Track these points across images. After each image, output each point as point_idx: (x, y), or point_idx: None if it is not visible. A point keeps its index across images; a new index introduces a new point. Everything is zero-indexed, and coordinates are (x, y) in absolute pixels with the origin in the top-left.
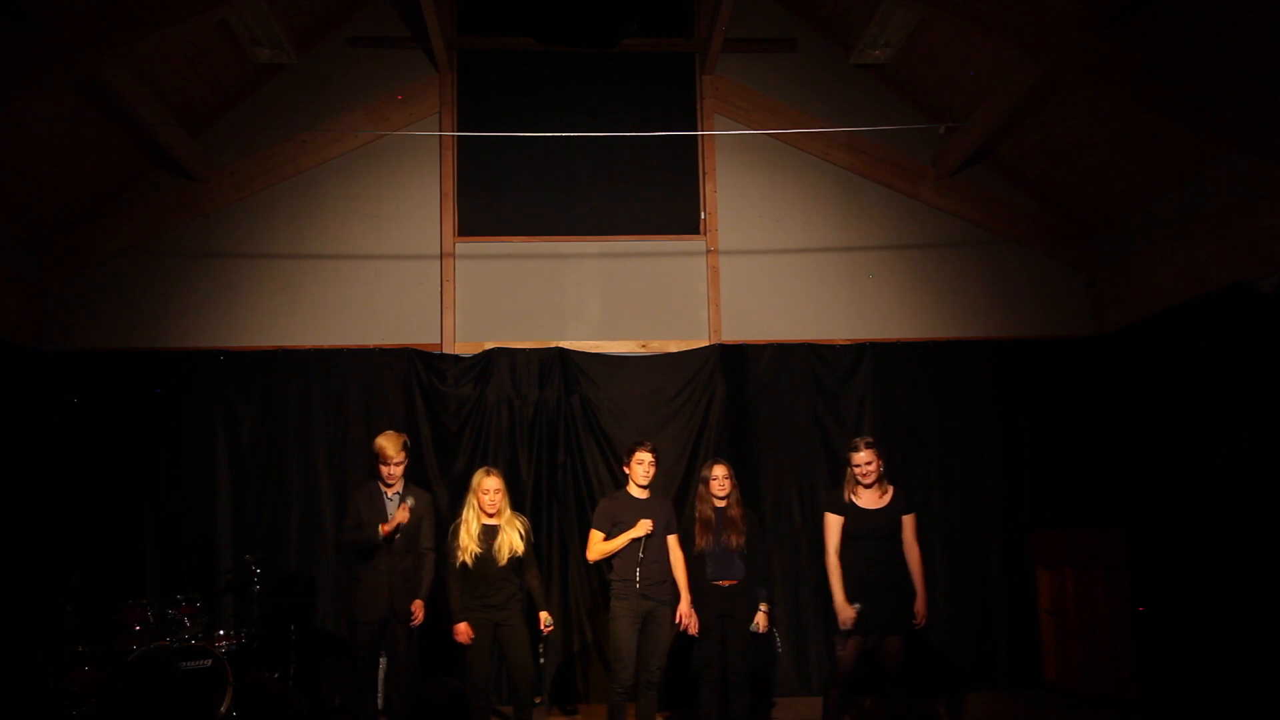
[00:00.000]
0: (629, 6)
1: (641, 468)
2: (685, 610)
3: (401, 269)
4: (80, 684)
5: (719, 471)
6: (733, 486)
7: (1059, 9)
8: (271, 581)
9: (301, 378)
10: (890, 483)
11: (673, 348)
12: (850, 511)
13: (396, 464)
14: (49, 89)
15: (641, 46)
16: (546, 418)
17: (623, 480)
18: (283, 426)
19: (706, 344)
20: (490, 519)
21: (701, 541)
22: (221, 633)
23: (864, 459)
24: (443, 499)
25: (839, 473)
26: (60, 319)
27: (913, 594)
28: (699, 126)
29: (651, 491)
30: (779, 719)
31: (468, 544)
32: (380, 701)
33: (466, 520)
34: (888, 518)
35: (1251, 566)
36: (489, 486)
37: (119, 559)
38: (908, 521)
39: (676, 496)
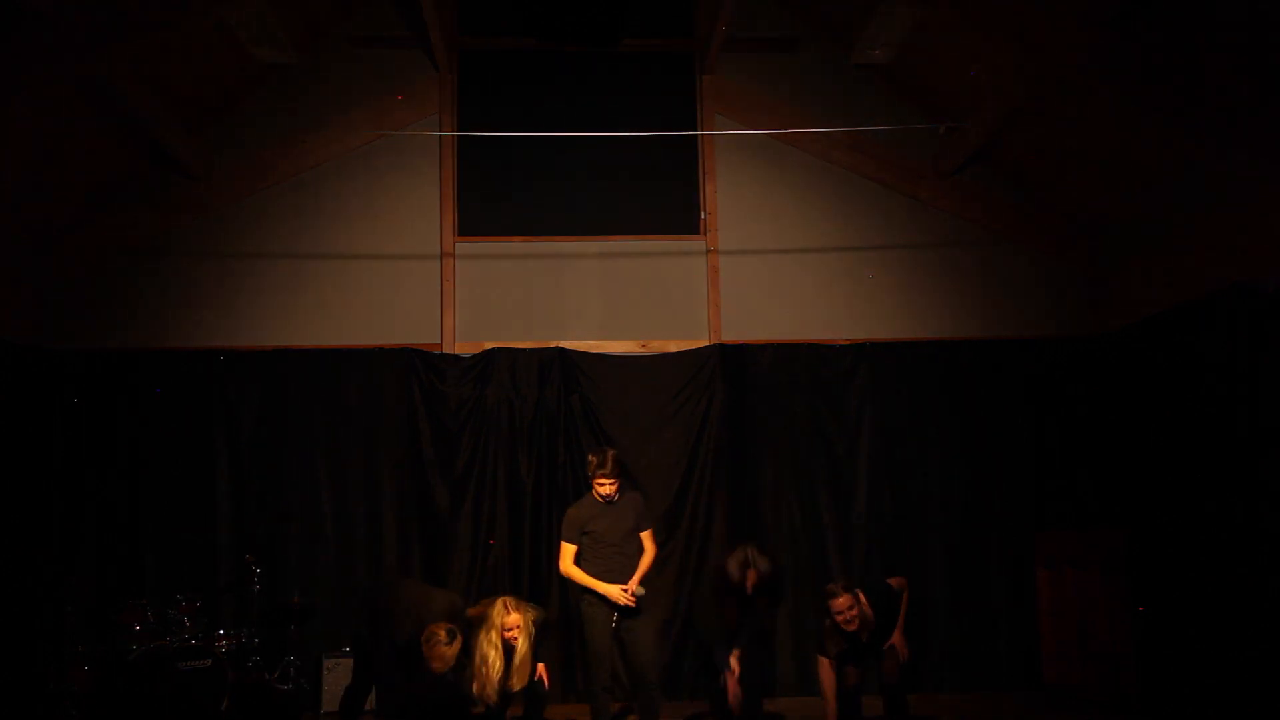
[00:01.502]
0: (629, 6)
1: (603, 488)
2: (631, 586)
3: (401, 269)
4: (80, 684)
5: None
6: (860, 611)
7: (1059, 9)
8: (271, 581)
9: (301, 378)
10: (868, 602)
11: (673, 348)
12: (842, 656)
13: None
14: (49, 88)
15: (642, 46)
16: (546, 418)
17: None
18: (283, 426)
19: (706, 344)
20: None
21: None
22: (221, 632)
23: (843, 604)
24: (443, 499)
25: (839, 473)
26: (60, 319)
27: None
28: (699, 126)
29: (620, 491)
30: (779, 718)
31: (489, 690)
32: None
33: (490, 661)
34: (882, 635)
35: (1253, 567)
36: (512, 624)
37: (119, 559)
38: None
39: (676, 497)
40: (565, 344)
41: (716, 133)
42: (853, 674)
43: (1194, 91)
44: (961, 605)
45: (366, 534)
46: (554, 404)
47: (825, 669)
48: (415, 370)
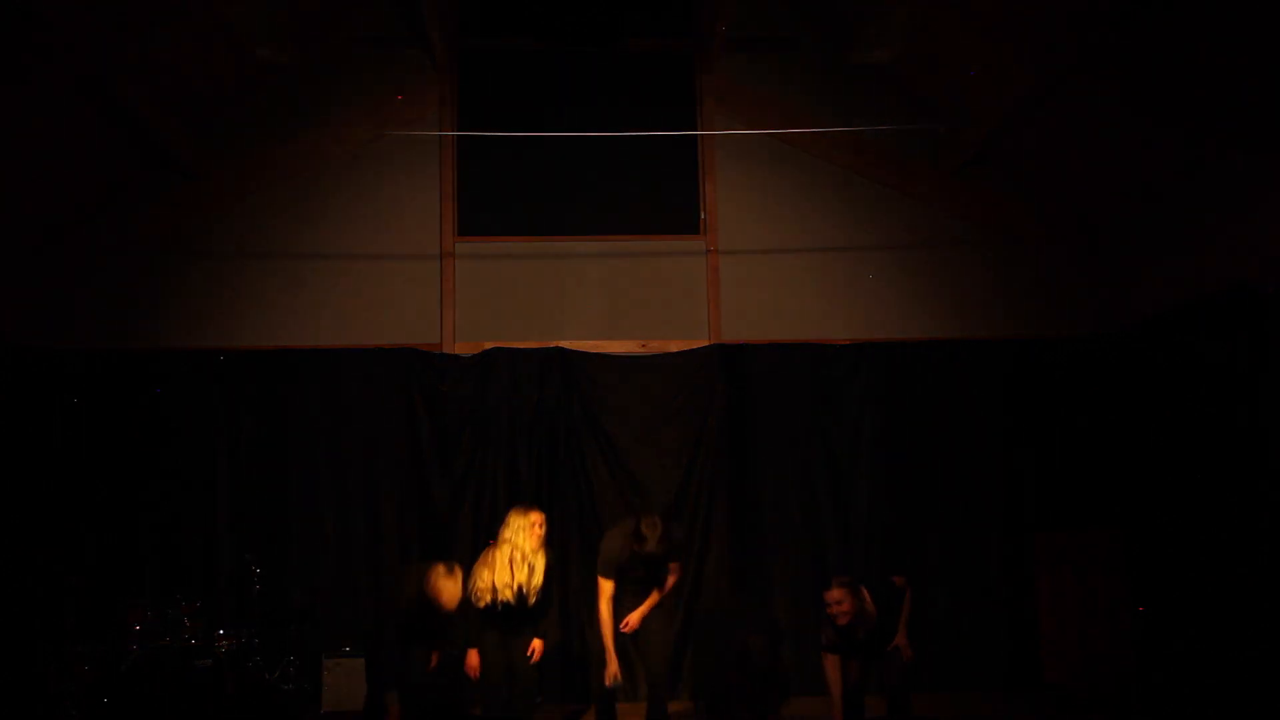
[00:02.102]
0: (629, 6)
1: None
2: (633, 619)
3: (401, 269)
4: (80, 684)
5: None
6: (853, 606)
7: (1059, 9)
8: (271, 581)
9: (301, 378)
10: (870, 596)
11: (673, 348)
12: (836, 648)
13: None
14: (49, 89)
15: (642, 46)
16: (546, 418)
17: (622, 482)
18: (282, 427)
19: (706, 344)
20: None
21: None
22: (221, 633)
23: (836, 597)
24: (443, 499)
25: (839, 473)
26: (60, 319)
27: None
28: (699, 126)
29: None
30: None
31: (518, 578)
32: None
33: (520, 545)
34: (883, 634)
35: (1253, 567)
36: (534, 521)
37: (119, 559)
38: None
39: (676, 497)
40: (565, 344)
41: (716, 133)
42: (853, 670)
43: (1194, 91)
44: (961, 605)
45: (366, 534)
46: (554, 404)
47: (829, 664)
48: (415, 370)
